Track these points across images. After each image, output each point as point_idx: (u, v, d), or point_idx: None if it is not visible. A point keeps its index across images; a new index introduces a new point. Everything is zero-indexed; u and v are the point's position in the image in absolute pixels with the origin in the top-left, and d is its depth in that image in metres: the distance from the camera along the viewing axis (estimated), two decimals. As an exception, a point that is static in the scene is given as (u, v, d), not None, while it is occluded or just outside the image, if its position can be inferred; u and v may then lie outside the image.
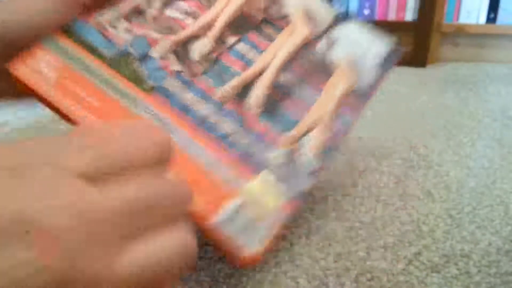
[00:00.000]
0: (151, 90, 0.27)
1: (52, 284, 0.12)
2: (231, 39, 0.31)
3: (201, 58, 0.30)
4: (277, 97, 0.31)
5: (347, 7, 1.11)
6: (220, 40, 0.31)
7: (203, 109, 0.28)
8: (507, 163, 0.44)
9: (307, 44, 0.33)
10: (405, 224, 0.33)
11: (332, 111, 0.32)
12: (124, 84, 0.27)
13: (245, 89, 0.30)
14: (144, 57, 0.28)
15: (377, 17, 1.08)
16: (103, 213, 0.13)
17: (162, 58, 0.28)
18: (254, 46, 0.32)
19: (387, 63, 0.36)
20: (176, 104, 0.27)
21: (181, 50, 0.29)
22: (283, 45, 0.32)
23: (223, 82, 0.29)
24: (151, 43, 0.29)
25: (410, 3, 1.02)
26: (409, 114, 0.61)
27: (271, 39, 0.32)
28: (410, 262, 0.29)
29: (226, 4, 0.32)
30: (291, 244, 0.31)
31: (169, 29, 0.30)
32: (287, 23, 0.34)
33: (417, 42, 0.97)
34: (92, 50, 0.26)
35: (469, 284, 0.27)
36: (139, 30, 0.29)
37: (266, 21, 0.33)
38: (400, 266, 0.28)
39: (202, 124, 0.27)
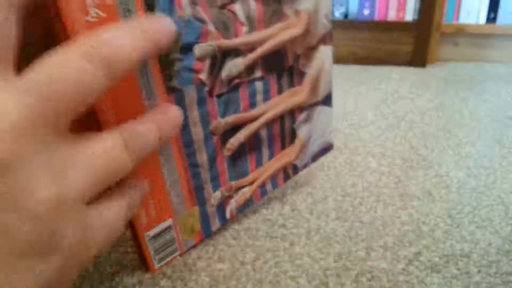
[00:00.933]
0: (171, 90, 0.23)
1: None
2: (257, 73, 0.29)
3: (226, 78, 0.27)
4: (246, 147, 0.31)
5: (347, 7, 1.11)
6: (250, 68, 0.29)
7: (196, 133, 0.26)
8: (507, 163, 0.44)
9: (295, 111, 0.34)
10: (405, 224, 0.33)
11: (265, 178, 0.34)
12: (154, 69, 0.22)
13: (233, 129, 0.29)
14: (188, 48, 0.24)
15: (377, 17, 1.08)
16: None
17: (199, 59, 0.25)
18: (266, 91, 0.30)
19: (317, 155, 0.38)
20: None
21: (218, 59, 0.26)
22: (282, 102, 0.32)
23: (225, 113, 0.28)
24: (203, 34, 0.24)
25: (410, 3, 1.01)
26: (409, 114, 0.61)
27: (280, 92, 0.32)
28: (410, 262, 0.29)
29: (276, 33, 0.29)
30: (291, 244, 0.31)
31: (224, 27, 0.25)
32: (299, 84, 0.33)
33: (417, 42, 0.97)
34: (149, 7, 0.21)
35: (469, 284, 0.27)
36: (202, 10, 0.24)
37: (290, 70, 0.32)
38: (400, 266, 0.28)
39: (187, 148, 0.26)
